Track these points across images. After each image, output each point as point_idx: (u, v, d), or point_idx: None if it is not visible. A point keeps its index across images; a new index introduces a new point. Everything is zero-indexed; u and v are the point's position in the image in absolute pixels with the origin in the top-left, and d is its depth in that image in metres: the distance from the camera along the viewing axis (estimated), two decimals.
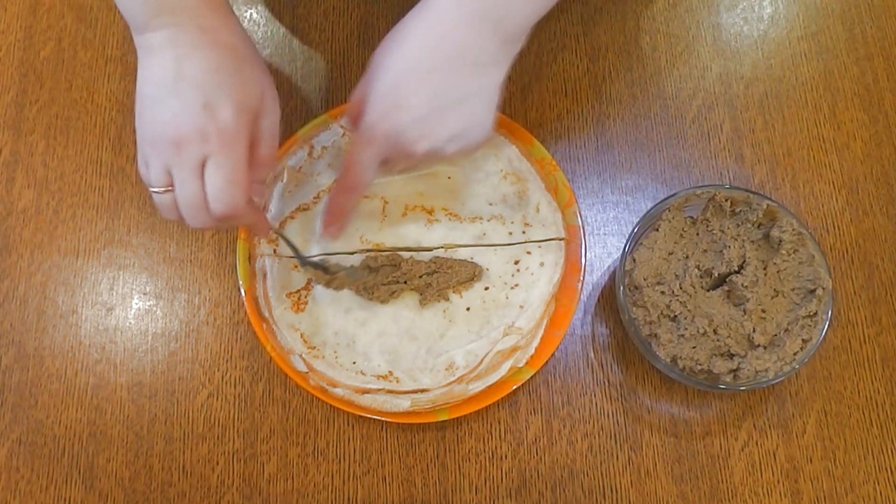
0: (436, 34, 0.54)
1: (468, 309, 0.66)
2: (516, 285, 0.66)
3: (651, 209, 0.65)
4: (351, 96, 0.59)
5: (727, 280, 0.64)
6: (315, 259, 0.66)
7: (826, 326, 0.62)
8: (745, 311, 0.64)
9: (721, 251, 0.65)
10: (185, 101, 0.53)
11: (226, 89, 0.53)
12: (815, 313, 0.63)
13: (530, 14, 0.56)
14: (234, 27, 0.56)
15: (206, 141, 0.52)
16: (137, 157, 0.56)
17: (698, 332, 0.63)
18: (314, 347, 0.64)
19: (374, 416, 0.63)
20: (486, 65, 0.56)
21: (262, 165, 0.58)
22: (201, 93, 0.52)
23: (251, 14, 0.77)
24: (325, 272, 0.65)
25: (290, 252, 0.66)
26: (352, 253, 0.67)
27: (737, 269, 0.64)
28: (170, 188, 0.54)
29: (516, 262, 0.67)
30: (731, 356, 0.62)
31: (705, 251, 0.66)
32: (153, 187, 0.55)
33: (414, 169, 0.65)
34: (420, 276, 0.65)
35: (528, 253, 0.67)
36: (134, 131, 0.72)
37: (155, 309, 0.68)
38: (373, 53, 0.57)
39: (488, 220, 0.68)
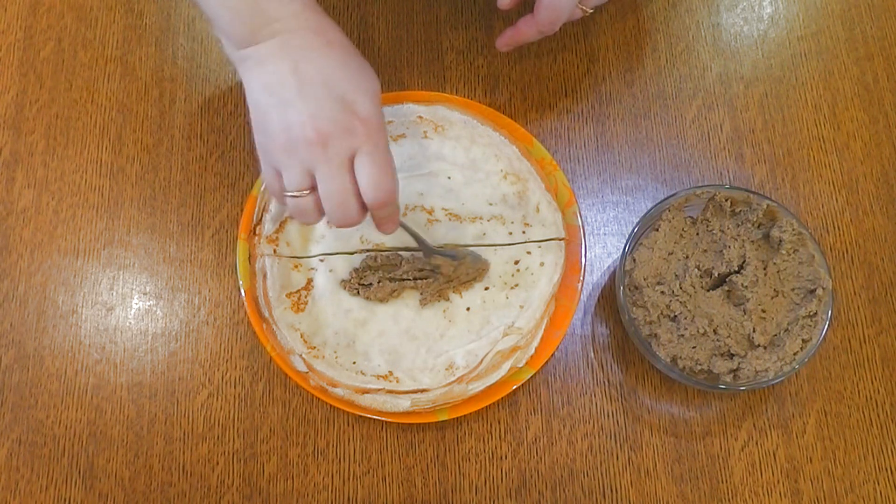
0: None
1: (468, 309, 0.66)
2: (516, 285, 0.66)
3: (651, 209, 0.65)
4: None
5: (727, 280, 0.65)
6: (435, 247, 0.66)
7: (826, 326, 0.62)
8: (745, 311, 0.64)
9: (721, 251, 0.65)
10: (318, 100, 0.52)
11: (356, 83, 0.54)
12: (815, 313, 0.63)
13: None
14: (335, 26, 0.57)
15: (353, 134, 0.53)
16: (262, 169, 0.57)
17: (698, 332, 0.63)
18: (314, 347, 0.64)
19: (374, 416, 0.63)
20: None
21: None
22: (332, 90, 0.53)
23: None
24: (453, 259, 0.65)
25: (289, 252, 0.66)
26: (352, 253, 0.67)
27: (737, 269, 0.64)
28: (306, 190, 0.54)
29: (516, 262, 0.67)
30: (731, 356, 0.62)
31: (705, 251, 0.66)
32: (292, 192, 0.55)
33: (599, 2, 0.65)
34: (420, 271, 0.66)
35: (528, 253, 0.67)
36: (134, 131, 0.72)
37: (155, 309, 0.68)
38: None
39: (488, 220, 0.68)
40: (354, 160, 0.53)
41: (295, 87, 0.53)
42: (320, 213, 0.55)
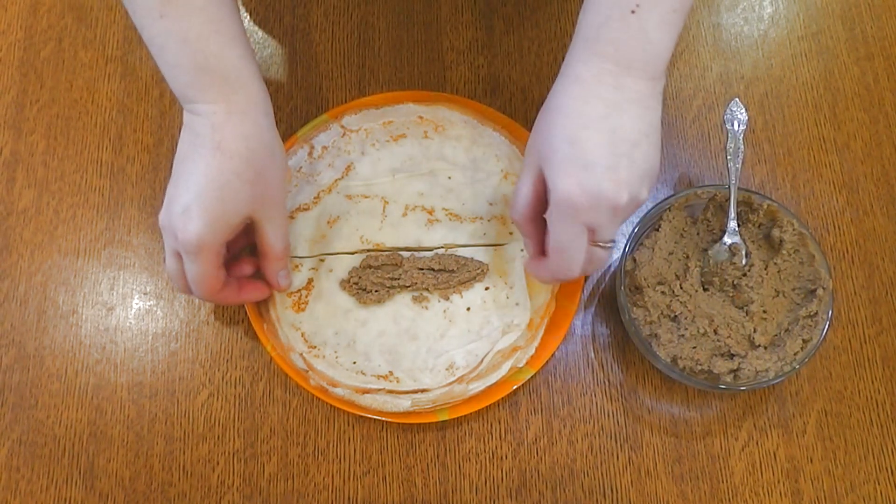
0: (588, 92, 0.53)
1: (468, 309, 0.66)
2: (514, 284, 0.66)
3: (651, 209, 0.65)
4: (516, 195, 0.57)
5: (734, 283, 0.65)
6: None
7: (826, 326, 0.62)
8: (745, 311, 0.64)
9: None
10: (177, 194, 0.56)
11: (206, 201, 0.55)
12: (816, 313, 0.63)
13: (664, 51, 0.54)
14: (248, 126, 0.56)
15: (177, 241, 0.55)
16: None
17: (698, 332, 0.63)
18: (315, 347, 0.64)
19: (375, 416, 0.63)
20: (643, 103, 0.54)
21: (272, 259, 0.61)
22: (188, 194, 0.55)
23: (251, 14, 0.77)
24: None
25: (289, 252, 0.66)
26: (352, 253, 0.67)
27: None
28: None
29: (513, 260, 0.67)
30: (732, 356, 0.62)
31: (705, 251, 0.66)
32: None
33: (614, 231, 0.56)
34: (421, 270, 0.66)
35: (522, 250, 0.67)
36: (134, 131, 0.72)
37: (155, 309, 0.68)
38: (529, 142, 0.57)
39: (488, 220, 0.68)
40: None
41: (179, 169, 0.56)
42: None
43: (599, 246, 0.55)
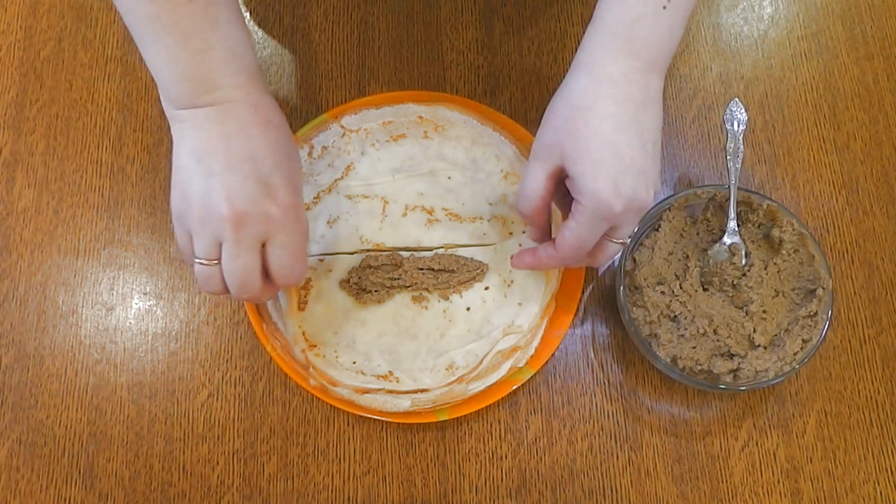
0: (620, 93, 0.53)
1: (468, 309, 0.66)
2: (512, 281, 0.66)
3: (651, 209, 0.65)
4: (527, 188, 0.56)
5: (733, 283, 0.65)
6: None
7: (826, 326, 0.62)
8: (745, 311, 0.64)
9: None
10: (241, 178, 0.52)
11: (282, 169, 0.54)
12: (816, 313, 0.63)
13: (676, 45, 0.56)
14: (276, 105, 0.57)
15: (269, 221, 0.53)
16: (175, 230, 0.55)
17: (698, 332, 0.63)
18: (315, 346, 0.64)
19: (375, 416, 0.63)
20: (657, 99, 0.55)
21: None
22: (258, 170, 0.53)
23: (251, 14, 0.77)
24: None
25: None
26: (352, 253, 0.67)
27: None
28: (215, 260, 0.54)
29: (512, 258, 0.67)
30: (731, 356, 0.62)
31: (705, 251, 0.66)
32: (201, 259, 0.54)
33: (634, 228, 0.58)
34: (421, 270, 0.66)
35: (521, 245, 0.67)
36: (134, 131, 0.72)
37: (155, 309, 0.68)
38: (542, 134, 0.56)
39: (488, 220, 0.68)
40: (267, 244, 0.54)
41: (222, 160, 0.52)
42: (224, 285, 0.55)
43: (615, 242, 0.57)
